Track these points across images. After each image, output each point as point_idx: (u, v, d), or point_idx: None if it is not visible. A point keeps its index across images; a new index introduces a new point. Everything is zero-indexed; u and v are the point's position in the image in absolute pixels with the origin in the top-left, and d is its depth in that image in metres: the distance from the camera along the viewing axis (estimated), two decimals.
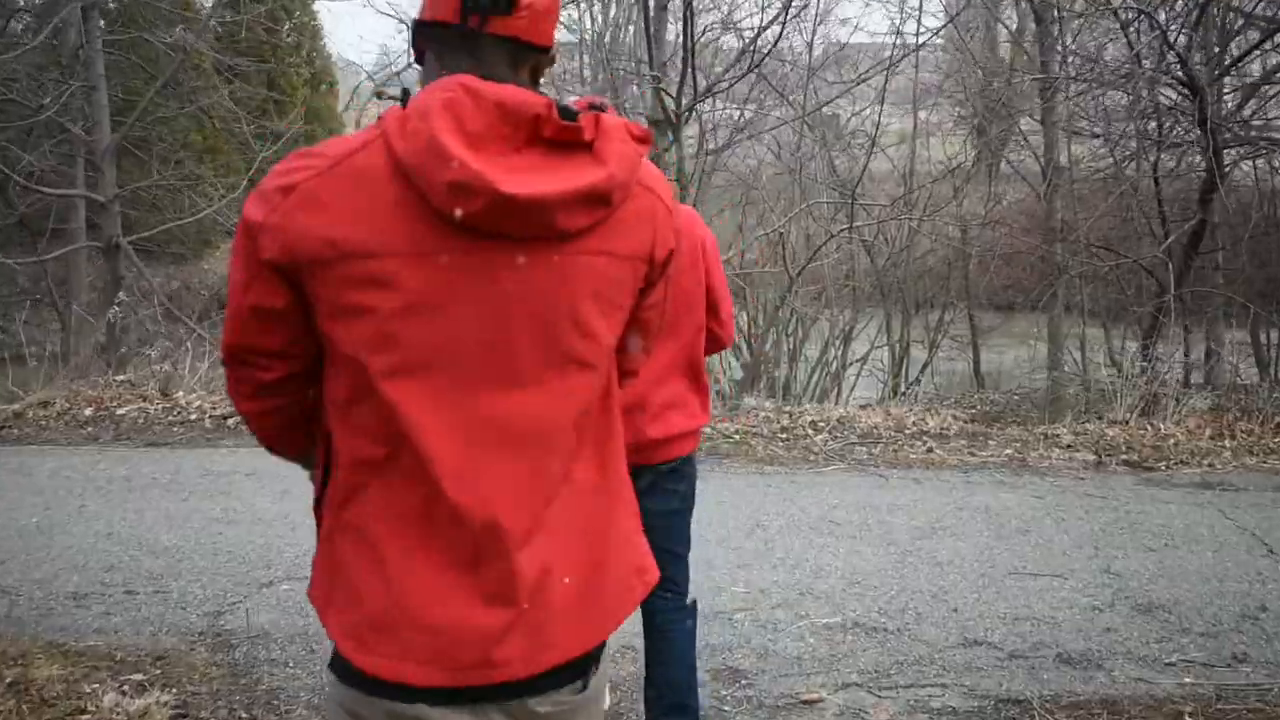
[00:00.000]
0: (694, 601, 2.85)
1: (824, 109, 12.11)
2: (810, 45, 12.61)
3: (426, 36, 1.40)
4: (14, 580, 4.29)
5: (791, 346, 11.63)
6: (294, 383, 1.41)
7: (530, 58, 1.38)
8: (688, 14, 7.42)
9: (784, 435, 6.60)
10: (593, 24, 15.60)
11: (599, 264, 1.36)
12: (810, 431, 6.67)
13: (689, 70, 7.41)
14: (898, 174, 12.89)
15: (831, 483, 5.73)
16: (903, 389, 11.21)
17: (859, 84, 11.00)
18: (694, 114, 8.44)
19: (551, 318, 1.34)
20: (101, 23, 13.88)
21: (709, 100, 8.73)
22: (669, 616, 2.78)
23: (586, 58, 15.15)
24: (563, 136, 1.28)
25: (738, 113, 12.26)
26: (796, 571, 4.42)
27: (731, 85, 8.84)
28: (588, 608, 1.39)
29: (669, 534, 2.69)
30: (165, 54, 13.56)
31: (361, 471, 1.32)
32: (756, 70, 8.46)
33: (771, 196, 12.53)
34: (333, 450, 1.36)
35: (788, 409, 7.17)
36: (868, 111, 12.06)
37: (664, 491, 2.66)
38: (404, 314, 1.27)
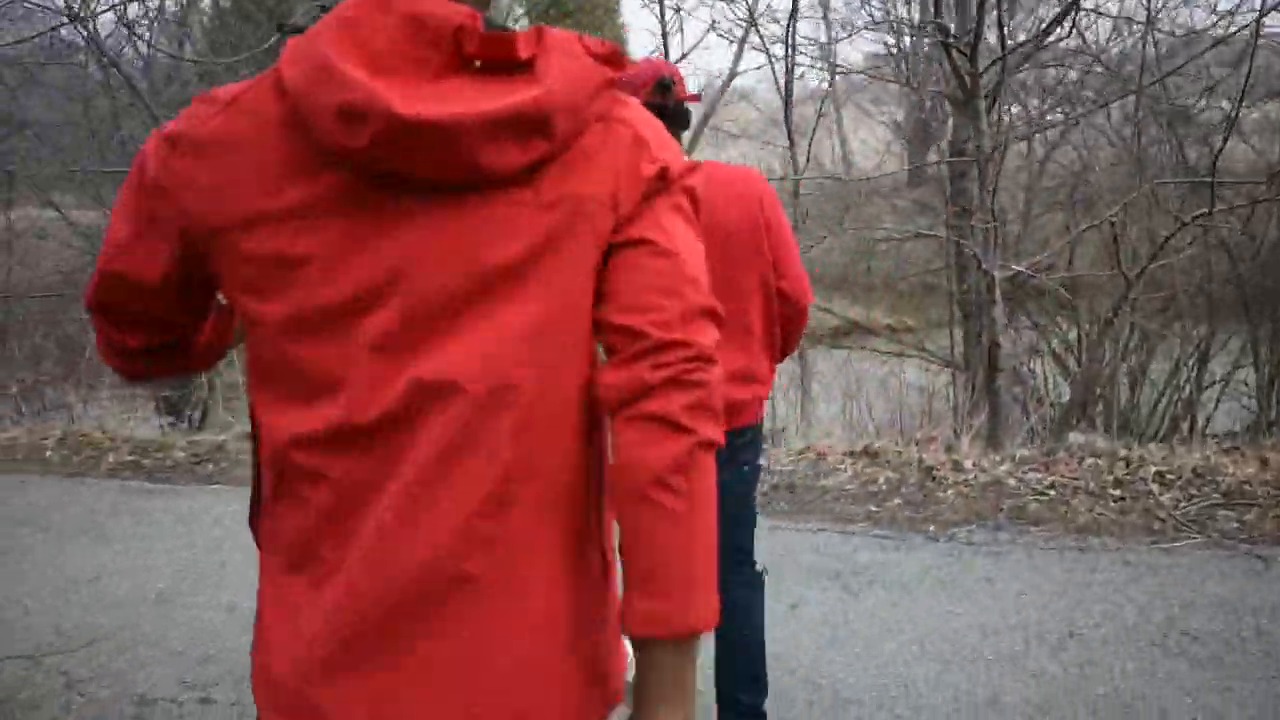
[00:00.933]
0: (765, 569, 2.85)
1: (1169, 93, 10.00)
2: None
3: None
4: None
5: (1131, 368, 9.69)
6: (167, 352, 1.31)
7: None
8: None
9: (1116, 491, 5.02)
10: None
11: (544, 220, 1.08)
12: (1154, 486, 5.05)
13: (988, 21, 5.81)
14: (1266, 163, 10.52)
15: (1184, 566, 4.16)
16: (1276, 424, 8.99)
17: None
18: (1002, 85, 6.71)
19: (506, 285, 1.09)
20: None
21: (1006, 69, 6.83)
22: (737, 582, 2.70)
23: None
24: (491, 54, 1.05)
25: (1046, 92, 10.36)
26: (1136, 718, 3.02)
27: (1053, 43, 7.04)
28: None
29: (739, 504, 2.68)
30: None
31: None
32: (1076, 28, 6.74)
33: (1105, 191, 10.58)
34: None
35: (1124, 453, 5.55)
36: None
37: (734, 464, 2.53)
38: (296, 287, 1.08)
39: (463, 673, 1.10)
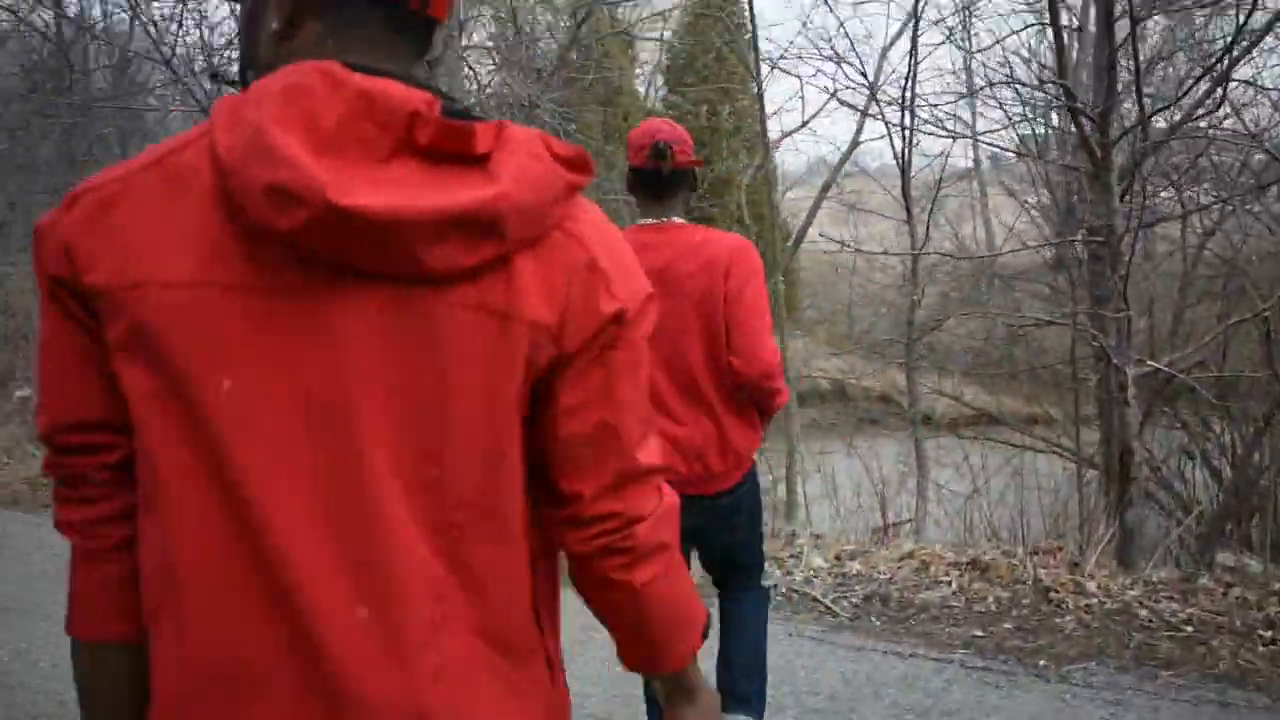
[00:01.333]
0: (771, 587, 3.33)
1: None
2: None
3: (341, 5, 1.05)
4: None
5: None
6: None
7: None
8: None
9: (1268, 633, 4.28)
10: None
11: (486, 327, 1.00)
12: None
13: (1119, 81, 5.11)
14: None
15: None
16: None
17: None
18: (1142, 160, 5.96)
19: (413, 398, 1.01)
20: None
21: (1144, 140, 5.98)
22: (737, 594, 2.97)
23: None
24: (446, 145, 0.97)
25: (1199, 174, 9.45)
26: None
27: (1202, 116, 6.26)
28: None
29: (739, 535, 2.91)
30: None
31: None
32: (1228, 103, 6.00)
33: (1260, 282, 9.69)
34: None
35: (1279, 586, 4.80)
36: None
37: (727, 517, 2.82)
38: (200, 370, 0.97)
39: None
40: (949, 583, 5.07)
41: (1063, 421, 11.99)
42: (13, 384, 11.05)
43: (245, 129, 0.94)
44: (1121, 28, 5.71)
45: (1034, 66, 11.75)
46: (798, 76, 26.24)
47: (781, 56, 20.85)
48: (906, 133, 10.06)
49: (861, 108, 11.73)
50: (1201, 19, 9.31)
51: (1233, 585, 4.87)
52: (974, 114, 15.11)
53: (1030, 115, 12.11)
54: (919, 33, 10.61)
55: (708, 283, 2.58)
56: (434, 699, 1.00)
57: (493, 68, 12.50)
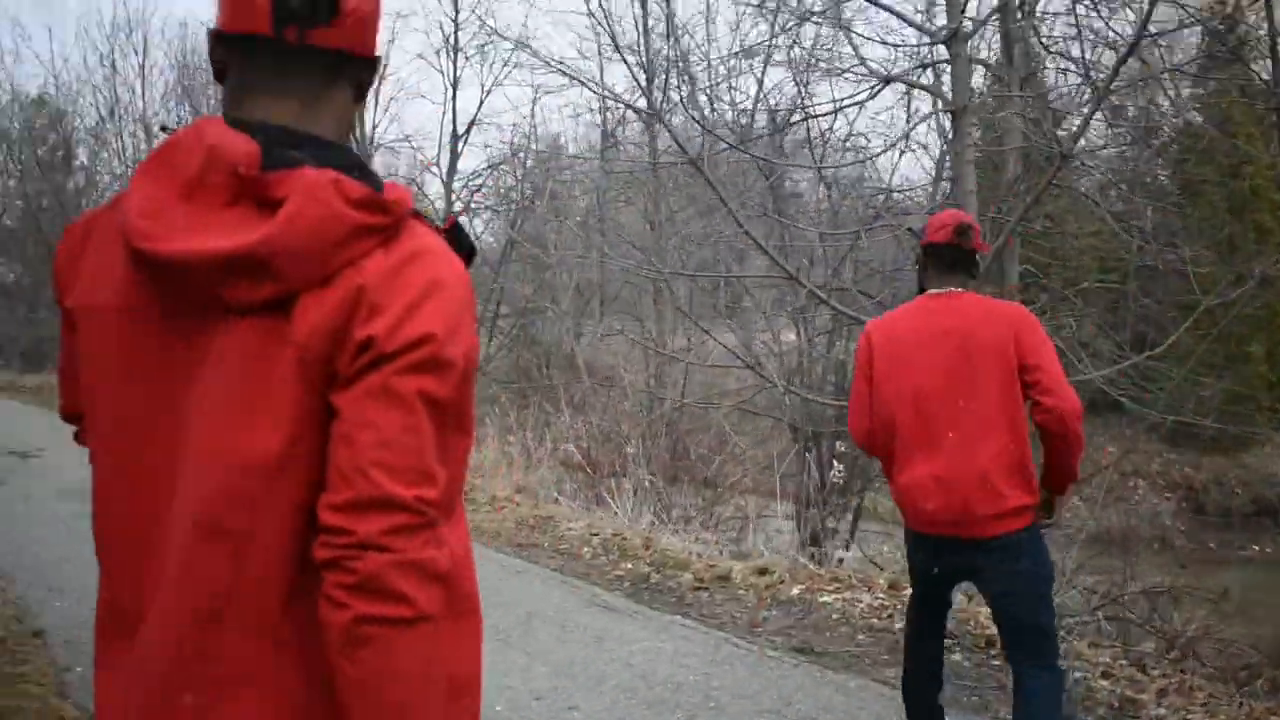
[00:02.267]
0: (1065, 672, 3.21)
1: None
2: None
3: (229, 49, 1.23)
4: None
5: None
6: None
7: (353, 72, 1.27)
8: None
9: None
10: None
11: (260, 348, 1.13)
12: None
13: None
14: None
15: None
16: None
17: None
18: None
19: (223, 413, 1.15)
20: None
21: None
22: (1026, 674, 3.05)
23: None
24: (254, 192, 1.13)
25: None
26: None
27: None
28: None
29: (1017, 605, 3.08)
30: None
31: None
32: None
33: None
34: None
35: None
36: None
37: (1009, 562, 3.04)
38: (94, 379, 1.23)
39: None
40: None
41: None
42: None
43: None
44: None
45: None
46: None
47: None
48: None
49: None
50: None
51: None
52: None
53: None
54: None
55: (1003, 338, 2.98)
56: None
57: None
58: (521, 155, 20.19)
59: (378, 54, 1.29)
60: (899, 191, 10.82)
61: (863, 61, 9.08)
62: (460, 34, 20.48)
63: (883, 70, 8.86)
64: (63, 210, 23.39)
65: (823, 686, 4.41)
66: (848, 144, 11.39)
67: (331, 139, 1.23)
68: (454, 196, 20.63)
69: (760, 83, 13.10)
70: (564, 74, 13.33)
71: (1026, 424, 3.02)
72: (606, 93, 12.53)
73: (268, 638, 1.14)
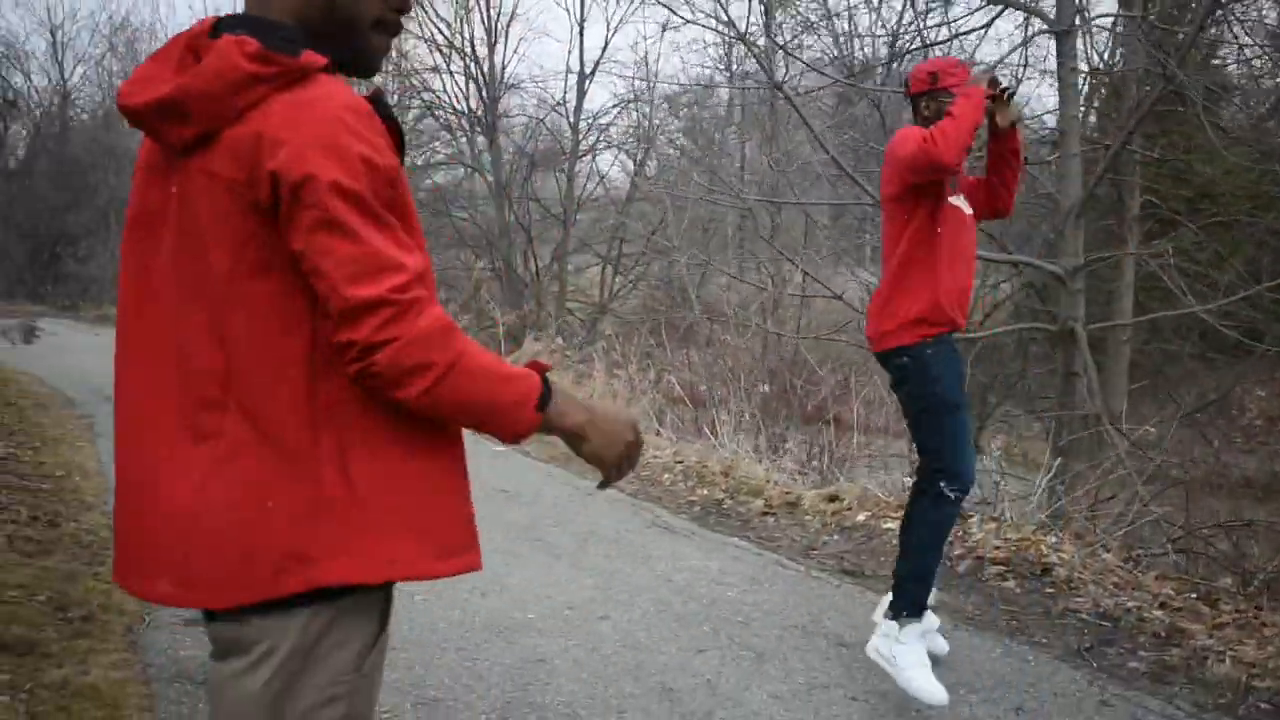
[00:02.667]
0: (941, 493, 3.39)
1: None
2: None
3: None
4: None
5: None
6: None
7: None
8: None
9: None
10: None
11: (204, 184, 1.37)
12: None
13: None
14: None
15: None
16: None
17: None
18: None
19: (183, 238, 1.41)
20: None
21: None
22: (912, 495, 3.59)
23: None
24: (196, 56, 1.41)
25: None
26: None
27: None
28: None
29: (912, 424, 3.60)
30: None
31: None
32: None
33: None
34: None
35: None
36: None
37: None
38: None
39: None
40: None
41: None
42: None
43: None
44: None
45: None
46: None
47: None
48: None
49: None
50: None
51: None
52: None
53: None
54: None
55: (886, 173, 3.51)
56: (180, 460, 1.44)
57: None
58: (644, 94, 20.12)
59: None
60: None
61: None
62: None
63: None
64: None
65: (859, 606, 4.40)
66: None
67: (277, 19, 1.43)
68: (579, 136, 20.75)
69: (878, 12, 12.71)
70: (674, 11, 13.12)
71: (911, 257, 3.42)
72: (724, 29, 12.29)
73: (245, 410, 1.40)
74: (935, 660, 3.54)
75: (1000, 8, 8.24)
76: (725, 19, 9.53)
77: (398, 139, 1.45)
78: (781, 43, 11.74)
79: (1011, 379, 11.15)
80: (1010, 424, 11.89)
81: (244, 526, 1.39)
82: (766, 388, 10.26)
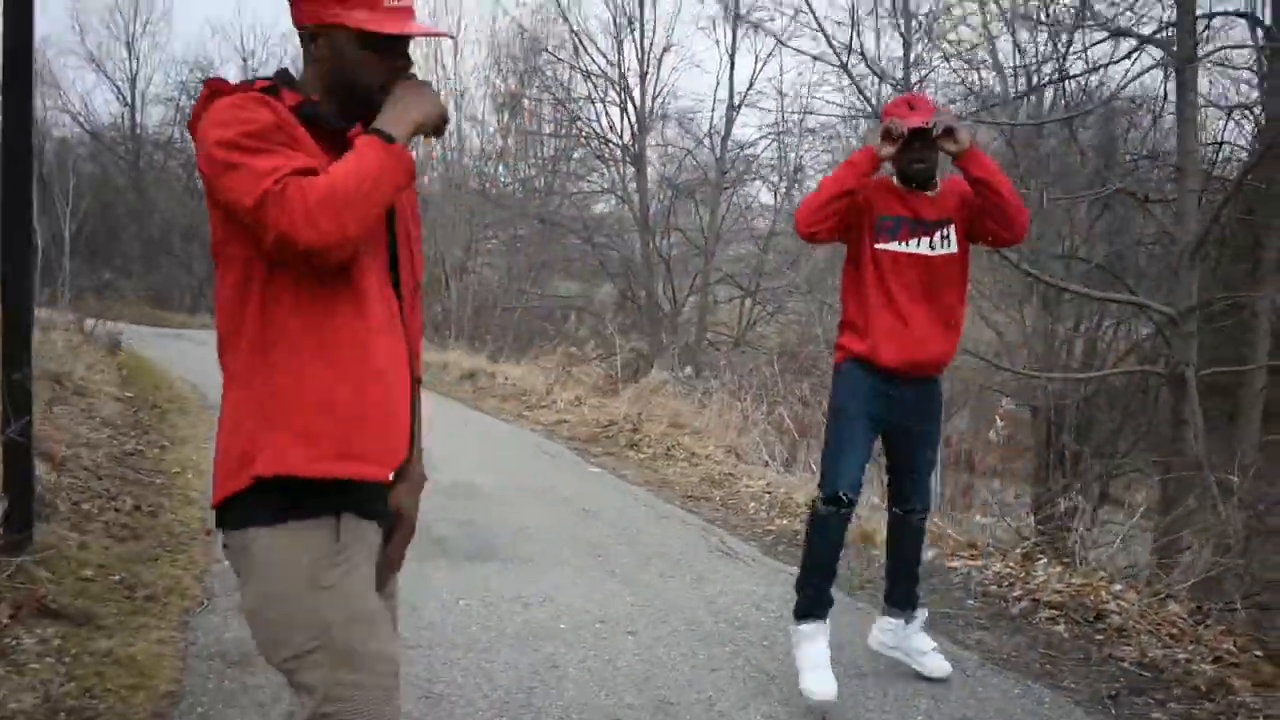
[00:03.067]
0: (922, 522, 3.93)
1: None
2: None
3: None
4: None
5: None
6: None
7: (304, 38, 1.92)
8: None
9: None
10: None
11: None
12: None
13: None
14: None
15: None
16: None
17: None
18: None
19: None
20: None
21: None
22: (905, 520, 3.92)
23: None
24: None
25: None
26: None
27: None
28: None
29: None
30: None
31: None
32: None
33: None
34: None
35: None
36: None
37: None
38: None
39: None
40: None
41: None
42: None
43: None
44: None
45: None
46: None
47: None
48: None
49: None
50: None
51: None
52: None
53: None
54: None
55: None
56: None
57: None
58: (790, 126, 20.19)
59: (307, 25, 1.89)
60: (1143, 157, 10.00)
61: (1092, 15, 8.59)
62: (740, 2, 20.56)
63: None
64: None
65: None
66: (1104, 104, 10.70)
67: (294, 78, 1.95)
68: (726, 167, 20.97)
69: (1016, 46, 12.47)
70: (822, 49, 13.18)
71: (843, 291, 3.77)
72: (859, 69, 12.28)
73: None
74: (934, 680, 3.84)
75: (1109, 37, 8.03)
76: (836, 52, 9.52)
77: (319, 127, 1.86)
78: (914, 77, 11.69)
79: (1141, 428, 10.72)
80: (1141, 472, 11.41)
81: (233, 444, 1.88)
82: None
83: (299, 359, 1.80)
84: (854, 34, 11.03)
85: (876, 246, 3.58)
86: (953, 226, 3.63)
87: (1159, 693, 3.97)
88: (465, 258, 24.57)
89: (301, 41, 1.92)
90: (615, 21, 22.00)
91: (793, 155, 20.54)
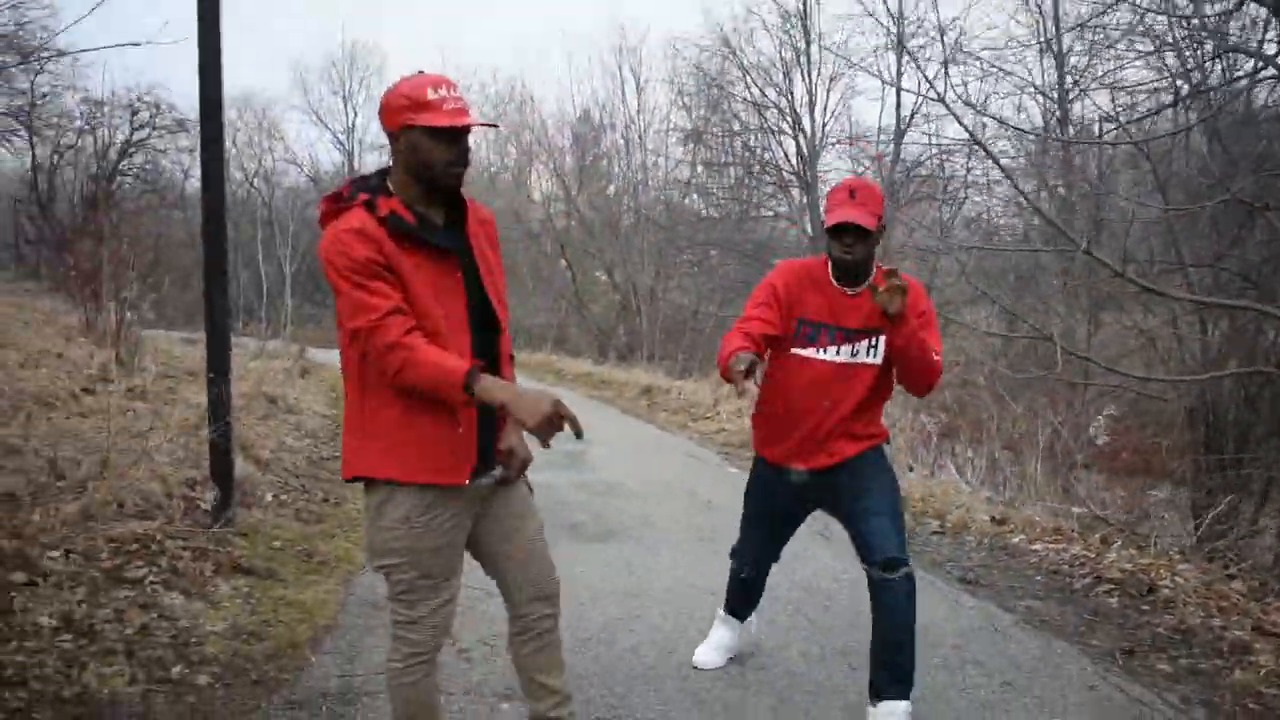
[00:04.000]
0: (907, 574, 3.38)
1: None
2: None
3: None
4: None
5: None
6: None
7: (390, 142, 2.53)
8: None
9: None
10: None
11: None
12: None
13: None
14: None
15: None
16: None
17: None
18: None
19: None
20: None
21: None
22: (877, 582, 3.43)
23: None
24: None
25: None
26: None
27: None
28: None
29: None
30: None
31: None
32: None
33: None
34: None
35: None
36: None
37: None
38: None
39: None
40: None
41: None
42: None
43: None
44: None
45: None
46: None
47: None
48: None
49: None
50: None
51: None
52: None
53: None
54: None
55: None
56: None
57: None
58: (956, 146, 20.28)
59: (392, 130, 2.48)
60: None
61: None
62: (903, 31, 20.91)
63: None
64: None
65: (939, 605, 4.91)
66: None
67: (388, 171, 2.58)
68: (895, 188, 21.26)
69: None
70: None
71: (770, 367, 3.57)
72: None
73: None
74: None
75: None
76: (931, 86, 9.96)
77: (403, 236, 2.45)
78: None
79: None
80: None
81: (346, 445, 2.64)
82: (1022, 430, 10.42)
83: (382, 395, 2.51)
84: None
85: (793, 350, 3.50)
86: (883, 338, 3.43)
87: (1177, 650, 4.36)
88: (654, 284, 25.86)
89: (390, 141, 2.51)
90: (782, 56, 22.96)
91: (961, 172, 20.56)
